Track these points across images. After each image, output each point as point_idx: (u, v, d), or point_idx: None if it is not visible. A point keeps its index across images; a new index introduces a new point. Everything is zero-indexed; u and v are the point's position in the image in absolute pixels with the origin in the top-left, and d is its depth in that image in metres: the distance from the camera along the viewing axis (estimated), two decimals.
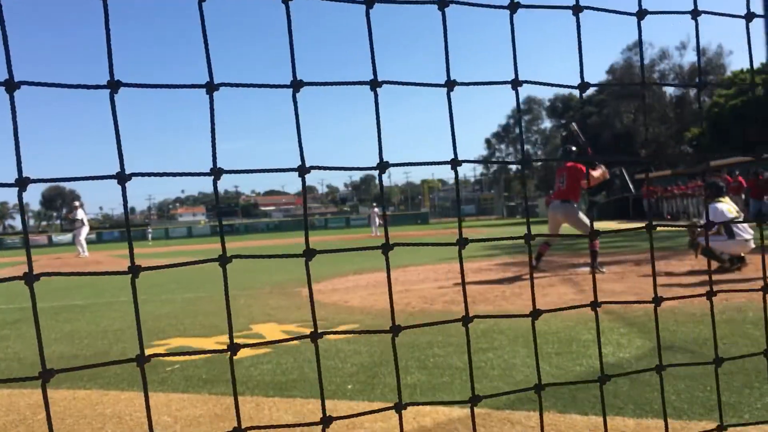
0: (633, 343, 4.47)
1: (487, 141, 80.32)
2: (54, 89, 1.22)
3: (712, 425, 2.75)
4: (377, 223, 37.37)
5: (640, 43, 1.78)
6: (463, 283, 1.59)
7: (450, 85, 1.43)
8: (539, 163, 70.22)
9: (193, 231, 73.17)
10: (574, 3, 1.52)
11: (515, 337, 4.79)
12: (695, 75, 50.76)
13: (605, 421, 1.73)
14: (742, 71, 43.55)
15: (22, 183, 1.15)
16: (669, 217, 30.73)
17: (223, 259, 1.33)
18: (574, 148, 9.55)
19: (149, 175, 1.28)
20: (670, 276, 8.26)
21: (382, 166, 1.39)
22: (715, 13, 1.79)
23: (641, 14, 1.68)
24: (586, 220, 9.44)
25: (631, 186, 39.22)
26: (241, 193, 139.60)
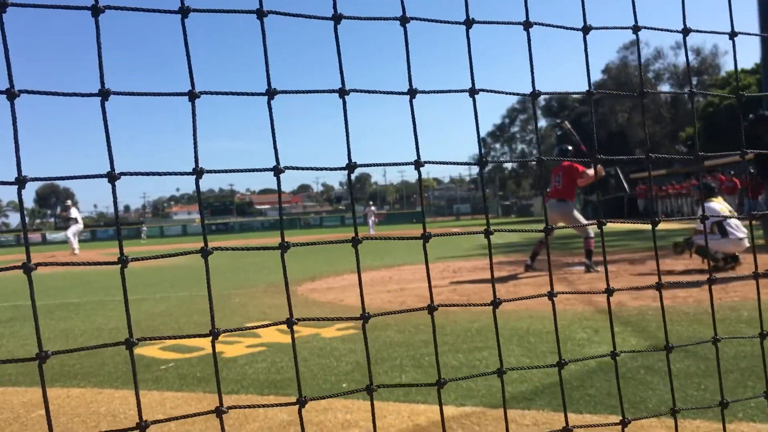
0: (627, 342, 4.48)
1: (483, 140, 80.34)
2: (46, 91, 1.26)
3: (707, 425, 2.76)
4: (373, 222, 37.47)
5: (638, 43, 1.78)
6: (428, 272, 1.59)
7: (412, 93, 1.56)
8: (533, 163, 70.15)
9: (188, 229, 73.06)
10: (525, 20, 1.66)
11: (510, 337, 4.80)
12: (690, 74, 50.91)
13: (566, 414, 1.73)
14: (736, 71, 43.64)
15: (21, 182, 1.22)
16: (663, 216, 30.82)
17: (204, 252, 1.42)
18: (570, 147, 9.60)
19: (138, 174, 1.35)
20: (666, 275, 8.28)
21: (351, 166, 1.50)
22: (702, 32, 1.86)
23: (636, 28, 1.72)
24: (582, 219, 9.49)
25: (625, 186, 39.27)
26: (236, 192, 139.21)
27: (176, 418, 1.44)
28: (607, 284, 1.77)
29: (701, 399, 3.10)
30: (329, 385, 3.78)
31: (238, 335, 5.50)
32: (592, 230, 9.32)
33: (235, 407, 1.43)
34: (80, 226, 21.09)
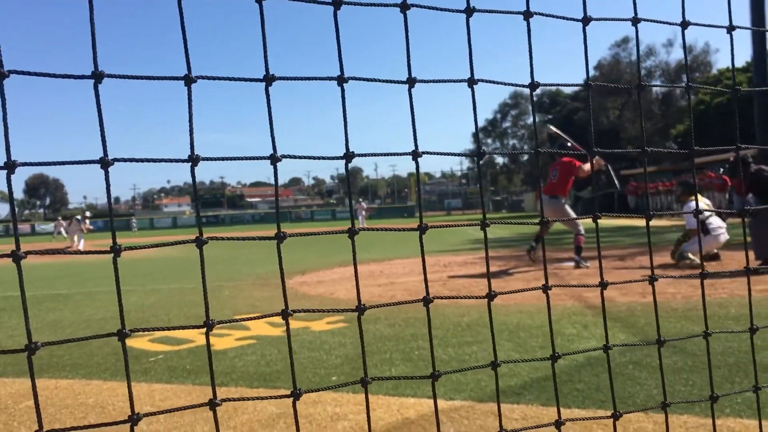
0: (616, 338, 4.50)
1: (475, 135, 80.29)
2: (39, 77, 1.25)
3: (694, 420, 2.78)
4: (363, 217, 37.56)
5: (637, 35, 1.79)
6: (424, 263, 1.59)
7: (411, 82, 1.55)
8: (526, 157, 70.57)
9: (178, 221, 72.87)
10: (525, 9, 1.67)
11: (500, 331, 4.81)
12: (681, 71, 51.09)
13: (559, 407, 1.74)
14: (728, 69, 43.90)
15: (10, 166, 1.19)
16: (653, 213, 30.96)
17: (200, 242, 1.39)
18: (570, 144, 9.72)
19: (132, 160, 1.32)
20: (656, 269, 8.32)
21: (348, 156, 1.50)
22: (699, 24, 1.88)
23: (636, 20, 1.72)
24: (573, 214, 9.58)
25: (616, 182, 39.43)
26: (227, 184, 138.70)
27: (168, 411, 1.43)
28: (601, 278, 1.78)
29: (689, 394, 3.12)
30: (319, 378, 3.78)
31: (228, 328, 5.50)
32: (582, 226, 9.38)
33: (228, 400, 1.42)
34: (81, 234, 22.64)
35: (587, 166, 9.27)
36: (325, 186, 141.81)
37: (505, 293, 1.82)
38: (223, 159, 1.43)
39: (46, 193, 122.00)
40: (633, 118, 51.48)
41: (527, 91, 1.70)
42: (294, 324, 5.55)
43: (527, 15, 1.66)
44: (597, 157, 8.79)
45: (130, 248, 1.37)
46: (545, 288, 1.73)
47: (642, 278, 1.97)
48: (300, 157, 1.49)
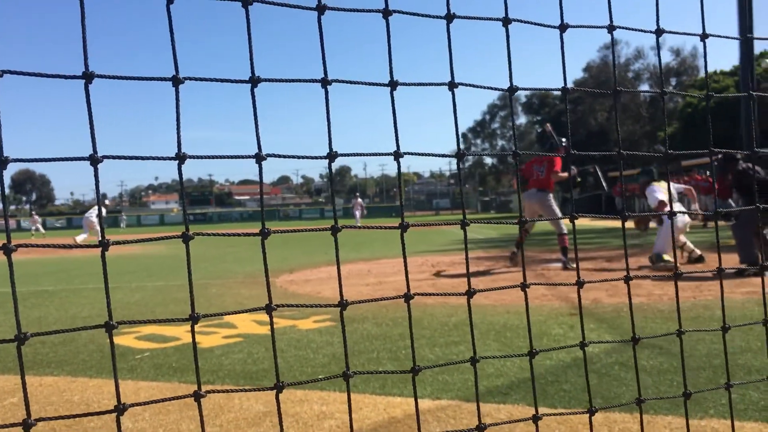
0: (602, 339, 4.53)
1: (463, 135, 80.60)
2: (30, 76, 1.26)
3: (678, 420, 2.80)
4: (360, 213, 37.63)
5: (612, 42, 1.81)
6: (405, 260, 1.59)
7: (393, 84, 1.60)
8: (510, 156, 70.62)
9: (166, 219, 72.61)
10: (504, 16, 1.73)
11: (487, 331, 4.82)
12: (670, 75, 51.45)
13: (536, 406, 1.75)
14: (715, 72, 44.22)
15: (2, 162, 1.22)
16: (628, 214, 31.18)
17: (186, 237, 1.41)
18: (564, 140, 9.83)
19: (121, 158, 1.33)
20: (643, 269, 8.38)
21: (331, 155, 1.54)
22: (673, 32, 1.95)
23: (612, 28, 1.75)
24: (559, 212, 9.68)
25: (604, 184, 39.63)
26: (215, 182, 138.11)
27: (154, 402, 1.43)
28: (578, 277, 1.81)
29: (674, 396, 3.14)
30: (305, 377, 3.77)
31: (215, 326, 5.48)
32: (566, 227, 9.43)
33: (212, 392, 1.42)
34: (85, 235, 22.92)
35: (564, 175, 9.44)
36: (313, 184, 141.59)
37: (483, 291, 1.85)
38: (209, 157, 1.45)
39: (32, 189, 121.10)
40: (621, 120, 51.69)
41: (516, 93, 1.74)
42: (281, 322, 5.54)
43: (506, 21, 1.72)
44: (574, 169, 8.93)
45: (118, 243, 1.38)
46: (523, 286, 1.78)
47: (617, 278, 2.06)
48: (284, 156, 1.53)
